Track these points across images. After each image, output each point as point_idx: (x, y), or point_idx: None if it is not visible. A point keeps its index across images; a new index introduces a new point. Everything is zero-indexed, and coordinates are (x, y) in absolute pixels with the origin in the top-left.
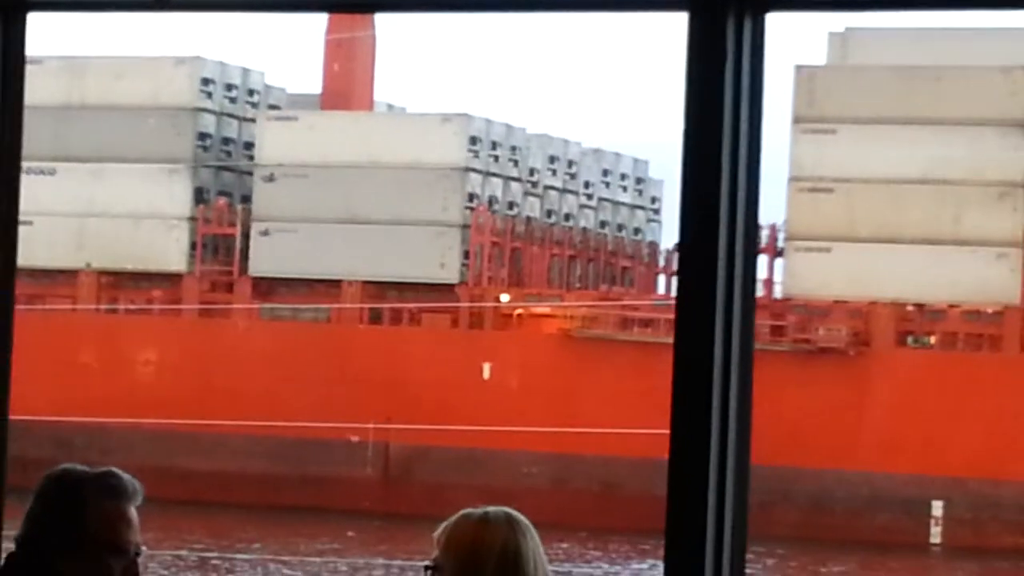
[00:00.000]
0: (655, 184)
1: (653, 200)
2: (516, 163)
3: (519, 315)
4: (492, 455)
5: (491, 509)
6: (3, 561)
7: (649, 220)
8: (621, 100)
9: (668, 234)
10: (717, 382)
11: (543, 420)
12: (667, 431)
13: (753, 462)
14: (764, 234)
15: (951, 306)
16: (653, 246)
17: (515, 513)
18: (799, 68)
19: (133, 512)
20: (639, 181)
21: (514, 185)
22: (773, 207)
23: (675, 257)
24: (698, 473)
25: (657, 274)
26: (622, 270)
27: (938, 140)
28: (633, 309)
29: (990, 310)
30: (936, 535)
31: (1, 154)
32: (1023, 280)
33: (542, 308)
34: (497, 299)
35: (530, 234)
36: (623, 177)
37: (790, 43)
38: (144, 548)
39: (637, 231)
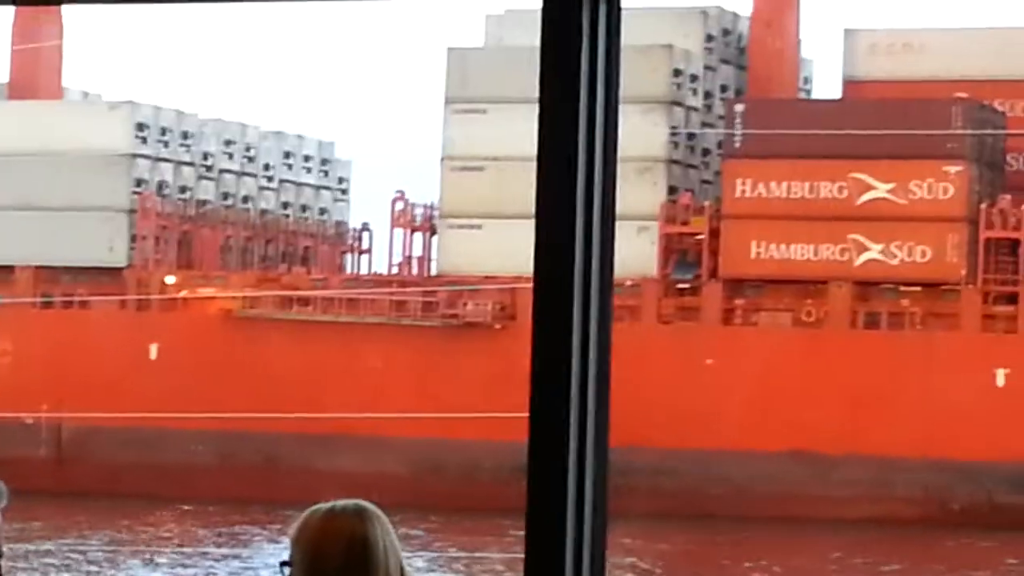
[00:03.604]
0: (342, 165)
1: (340, 180)
2: (188, 148)
3: (185, 297)
4: (160, 433)
5: (340, 502)
6: None
7: (336, 200)
8: (311, 87)
9: (357, 213)
10: (575, 366)
11: (208, 397)
12: (321, 413)
13: (405, 435)
14: (420, 213)
15: None
16: (341, 225)
17: (365, 503)
18: (451, 50)
19: None
20: (324, 162)
21: (186, 169)
22: (430, 187)
23: (363, 235)
24: (557, 457)
25: (344, 252)
26: (304, 250)
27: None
28: (293, 288)
29: (629, 282)
30: None
31: None
32: (659, 253)
33: (207, 290)
34: (163, 282)
35: (202, 217)
36: (307, 159)
37: (448, 26)
38: (7, 549)
39: (323, 211)
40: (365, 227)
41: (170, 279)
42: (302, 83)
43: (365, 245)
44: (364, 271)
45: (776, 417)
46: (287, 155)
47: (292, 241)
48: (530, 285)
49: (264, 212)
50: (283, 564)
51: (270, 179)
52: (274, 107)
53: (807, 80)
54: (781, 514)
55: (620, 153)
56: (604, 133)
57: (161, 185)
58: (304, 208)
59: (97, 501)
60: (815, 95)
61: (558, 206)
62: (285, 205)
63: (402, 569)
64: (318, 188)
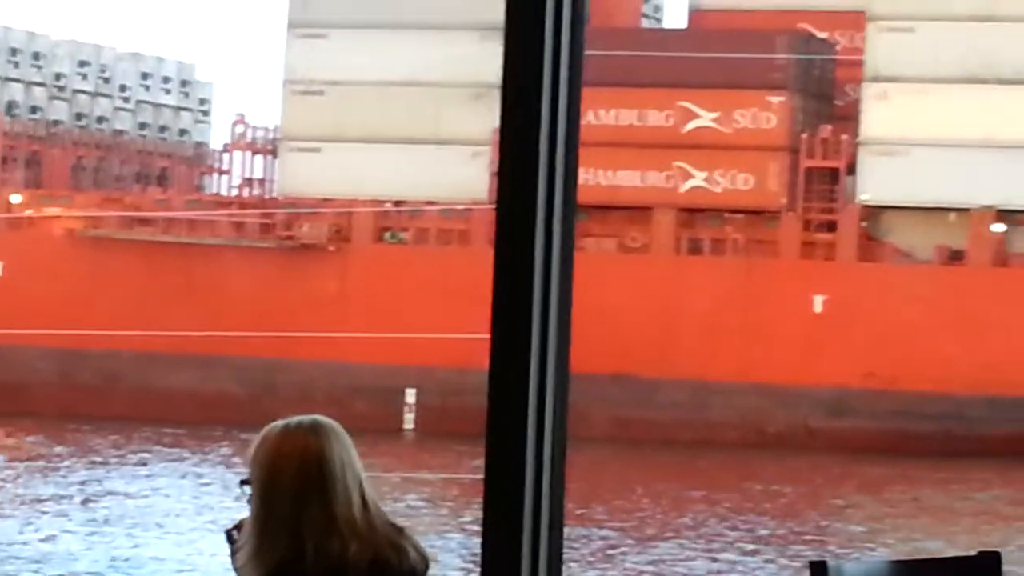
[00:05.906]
0: (203, 86)
1: (202, 102)
2: (40, 68)
3: (31, 216)
4: (3, 351)
5: (296, 419)
6: None
7: (197, 121)
8: (176, 9)
9: (219, 135)
10: (537, 287)
11: (51, 315)
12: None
13: (241, 354)
14: (262, 135)
15: (429, 203)
16: (201, 146)
17: (322, 419)
18: None
19: None
20: (185, 84)
21: (37, 90)
22: (273, 110)
23: (223, 156)
24: (518, 379)
25: (203, 173)
26: (161, 170)
27: (422, 44)
28: (137, 209)
29: (461, 207)
30: (409, 421)
31: None
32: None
33: (52, 210)
34: (8, 201)
35: (52, 137)
36: (166, 80)
37: None
38: None
39: (183, 132)
40: (225, 148)
41: (16, 198)
42: (166, 5)
43: (225, 166)
44: (225, 192)
45: (599, 341)
46: (145, 76)
47: (148, 162)
48: (365, 209)
49: (119, 132)
50: (243, 483)
51: (126, 100)
52: (137, 30)
53: (658, 9)
54: (601, 436)
55: (454, 79)
56: (570, 58)
57: (10, 105)
58: (163, 129)
59: None
60: (668, 25)
61: (522, 132)
62: (143, 126)
63: (361, 483)
64: (178, 109)
